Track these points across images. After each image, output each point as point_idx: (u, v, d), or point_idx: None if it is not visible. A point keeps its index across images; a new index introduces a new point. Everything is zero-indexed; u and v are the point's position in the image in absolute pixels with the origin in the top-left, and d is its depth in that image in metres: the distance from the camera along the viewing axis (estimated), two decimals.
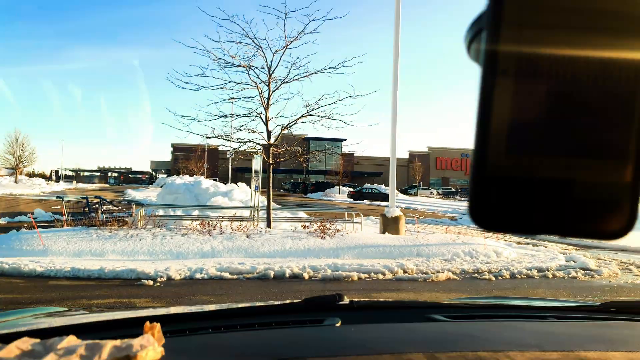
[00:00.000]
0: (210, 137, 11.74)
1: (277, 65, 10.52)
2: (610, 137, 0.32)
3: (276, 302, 1.35)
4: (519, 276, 7.43)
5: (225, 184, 19.55)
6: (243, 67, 10.45)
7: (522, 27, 0.31)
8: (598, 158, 0.32)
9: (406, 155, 58.37)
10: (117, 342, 0.76)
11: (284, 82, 10.72)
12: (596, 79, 0.31)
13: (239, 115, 11.15)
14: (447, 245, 9.26)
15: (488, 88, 0.33)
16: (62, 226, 10.18)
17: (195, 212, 12.28)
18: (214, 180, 22.67)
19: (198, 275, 6.77)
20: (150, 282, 6.36)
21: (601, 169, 0.32)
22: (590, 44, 0.31)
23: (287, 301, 1.38)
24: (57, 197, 19.13)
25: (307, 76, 10.66)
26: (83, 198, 15.36)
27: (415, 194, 44.27)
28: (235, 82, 10.74)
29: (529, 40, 0.31)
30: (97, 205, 13.66)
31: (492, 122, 0.33)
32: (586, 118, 0.32)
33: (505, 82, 0.32)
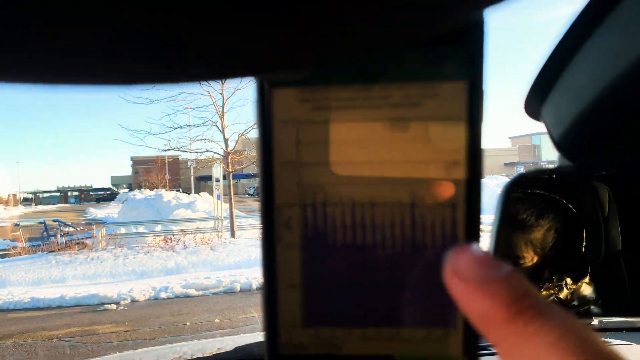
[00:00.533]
0: (167, 150, 11.57)
1: None
2: (433, 302, 0.27)
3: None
4: None
5: (188, 194, 19.22)
6: None
7: None
8: (420, 326, 0.28)
9: None
10: None
11: (237, 89, 10.70)
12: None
13: (194, 125, 11.06)
14: None
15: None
16: (20, 254, 9.85)
17: (158, 228, 12.07)
18: (176, 191, 22.24)
19: (163, 295, 6.68)
20: (114, 306, 6.24)
21: (424, 341, 0.28)
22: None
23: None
24: (15, 224, 18.40)
25: None
26: (40, 222, 14.84)
27: None
28: (187, 92, 10.65)
29: None
30: (55, 229, 13.24)
31: (280, 289, 0.28)
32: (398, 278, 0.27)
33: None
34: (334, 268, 0.29)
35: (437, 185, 0.28)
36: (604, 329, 1.29)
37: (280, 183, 0.29)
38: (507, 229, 0.42)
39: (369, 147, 0.28)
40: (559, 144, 0.49)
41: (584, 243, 0.42)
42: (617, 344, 1.19)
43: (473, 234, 0.28)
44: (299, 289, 0.29)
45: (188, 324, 5.35)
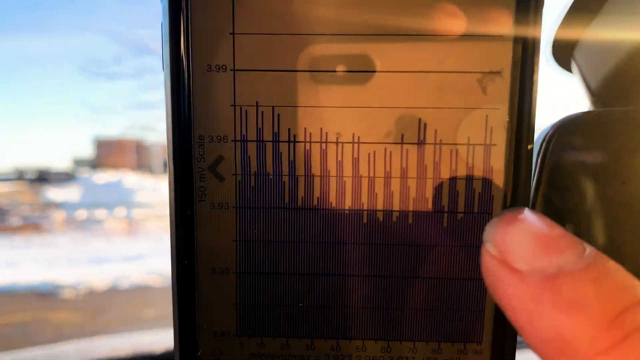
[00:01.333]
0: (132, 129, 11.29)
1: None
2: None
3: None
4: None
5: (153, 177, 18.92)
6: None
7: None
8: (420, 340, 0.22)
9: None
10: None
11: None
12: None
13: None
14: None
15: None
16: None
17: (120, 212, 11.77)
18: (141, 174, 21.88)
19: (123, 282, 6.48)
20: (70, 293, 6.02)
21: None
22: None
23: None
24: None
25: None
26: None
27: None
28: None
29: None
30: (11, 211, 12.77)
31: (201, 277, 0.22)
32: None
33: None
34: (288, 242, 0.21)
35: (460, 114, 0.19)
36: None
37: (202, 100, 0.20)
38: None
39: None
40: (596, 95, 0.39)
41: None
42: None
43: (520, 196, 0.20)
44: (231, 276, 0.21)
45: (149, 313, 5.19)
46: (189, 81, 0.20)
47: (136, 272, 6.74)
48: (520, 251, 0.14)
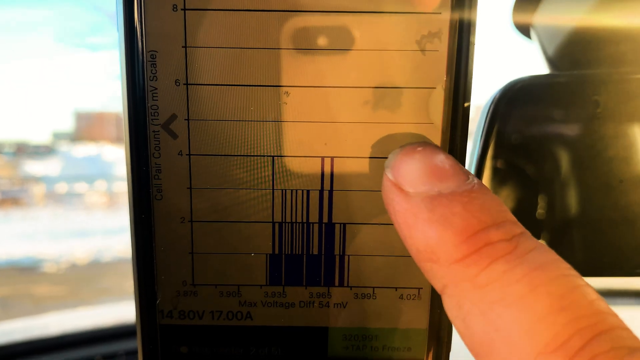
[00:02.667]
0: (112, 101, 11.09)
1: None
2: None
3: None
4: None
5: None
6: None
7: None
8: (368, 286, 0.24)
9: None
10: None
11: None
12: None
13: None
14: None
15: None
16: None
17: (101, 185, 11.64)
18: (122, 146, 21.56)
19: (105, 255, 6.47)
20: (52, 267, 5.99)
21: (372, 306, 0.24)
22: None
23: None
24: None
25: None
26: None
27: None
28: None
29: None
30: None
31: (159, 224, 0.26)
32: None
33: None
34: (241, 182, 0.22)
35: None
36: None
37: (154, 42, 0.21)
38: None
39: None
40: (553, 61, 0.40)
41: (539, 209, 0.33)
42: None
43: (457, 151, 0.22)
44: (186, 225, 0.23)
45: (130, 285, 5.19)
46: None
47: (118, 245, 6.72)
48: (410, 177, 0.16)
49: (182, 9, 0.21)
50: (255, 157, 0.22)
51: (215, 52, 0.22)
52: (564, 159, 0.33)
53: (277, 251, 0.23)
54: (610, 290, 1.29)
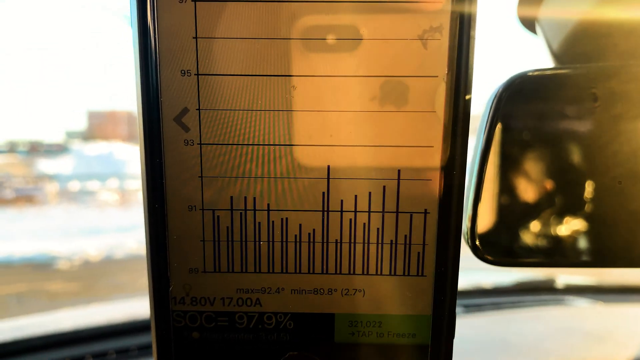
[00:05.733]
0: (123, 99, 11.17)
1: None
2: None
3: None
4: None
5: None
6: None
7: None
8: (374, 274, 0.25)
9: None
10: None
11: None
12: None
13: None
14: None
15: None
16: None
17: (113, 183, 11.74)
18: (133, 145, 21.71)
19: (117, 252, 6.53)
20: (65, 264, 6.06)
21: (378, 294, 0.26)
22: None
23: None
24: None
25: None
26: None
27: None
28: None
29: None
30: (4, 183, 12.70)
31: (171, 212, 0.27)
32: None
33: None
34: (252, 178, 0.23)
35: None
36: (569, 290, 1.28)
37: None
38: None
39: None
40: (558, 56, 0.41)
41: (542, 201, 0.34)
42: (584, 305, 1.18)
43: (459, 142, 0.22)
44: (198, 213, 0.23)
45: (143, 281, 5.24)
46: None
47: (130, 242, 6.78)
48: None
49: (192, 1, 0.22)
50: (265, 146, 0.23)
51: (225, 43, 0.22)
52: (567, 152, 0.33)
53: (284, 239, 0.24)
54: (624, 287, 1.29)
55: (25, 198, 9.55)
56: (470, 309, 1.13)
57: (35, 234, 7.73)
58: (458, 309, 1.13)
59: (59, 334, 1.05)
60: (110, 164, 14.16)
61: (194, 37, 0.22)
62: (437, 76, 0.22)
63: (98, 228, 8.00)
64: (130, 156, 14.58)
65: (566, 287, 1.28)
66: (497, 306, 1.14)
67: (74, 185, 11.35)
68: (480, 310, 1.13)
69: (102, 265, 6.07)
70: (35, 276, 5.64)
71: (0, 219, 8.11)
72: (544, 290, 1.29)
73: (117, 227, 8.04)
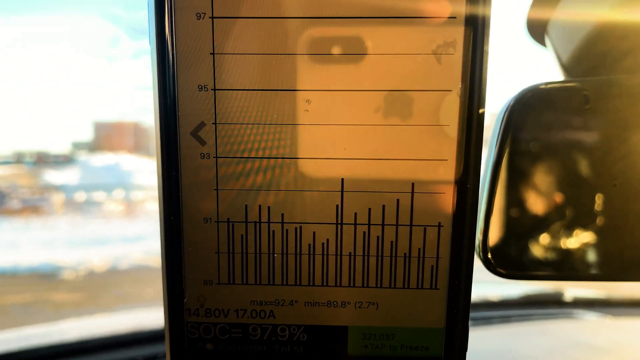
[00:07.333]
0: (130, 111, 11.26)
1: None
2: None
3: None
4: None
5: (154, 157, 18.91)
6: None
7: None
8: (387, 287, 0.25)
9: None
10: None
11: None
12: None
13: None
14: None
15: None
16: None
17: (119, 194, 11.79)
18: (139, 157, 21.83)
19: (123, 263, 6.53)
20: (71, 274, 6.07)
21: (391, 306, 0.26)
22: None
23: None
24: None
25: None
26: None
27: None
28: None
29: None
30: (11, 194, 12.77)
31: (187, 226, 0.27)
32: None
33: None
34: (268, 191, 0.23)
35: None
36: (577, 303, 1.27)
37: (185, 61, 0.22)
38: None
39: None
40: (567, 68, 0.41)
41: (553, 214, 0.34)
42: (592, 318, 1.16)
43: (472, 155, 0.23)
44: (215, 225, 0.24)
45: (148, 292, 5.26)
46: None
47: (135, 253, 6.78)
48: None
49: (209, 17, 0.22)
50: (279, 159, 0.24)
51: (241, 58, 0.23)
52: (578, 165, 0.33)
53: (298, 251, 0.24)
54: (634, 301, 1.28)
55: (32, 208, 9.60)
56: (478, 321, 1.12)
57: (41, 244, 7.75)
58: None
59: (64, 345, 1.05)
60: (116, 175, 14.23)
61: (211, 53, 0.23)
62: (451, 90, 0.22)
63: (103, 238, 8.01)
64: (136, 167, 14.65)
65: (575, 300, 1.27)
66: (505, 319, 1.14)
67: (80, 196, 11.40)
68: (488, 323, 1.12)
69: (107, 276, 6.07)
70: (41, 286, 5.65)
71: (7, 229, 8.14)
72: (553, 304, 1.28)
73: (123, 237, 8.06)
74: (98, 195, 11.73)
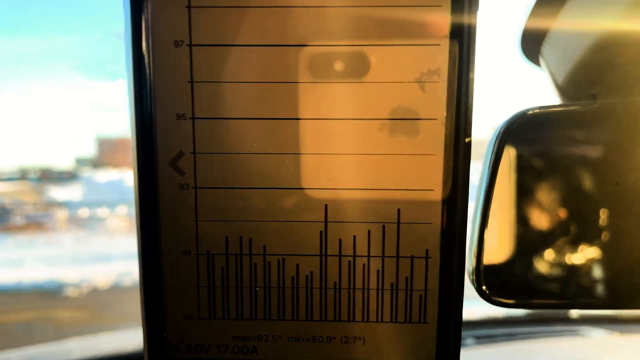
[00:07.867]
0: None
1: None
2: None
3: None
4: None
5: None
6: None
7: None
8: (375, 321, 0.24)
9: None
10: None
11: None
12: None
13: None
14: None
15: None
16: None
17: (122, 210, 11.80)
18: None
19: (126, 280, 6.51)
20: (74, 292, 6.06)
21: (379, 340, 0.25)
22: None
23: None
24: None
25: None
26: None
27: None
28: None
29: None
30: (14, 210, 12.81)
31: (167, 258, 0.27)
32: None
33: None
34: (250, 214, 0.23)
35: None
36: (585, 320, 1.25)
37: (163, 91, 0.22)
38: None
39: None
40: (562, 88, 0.41)
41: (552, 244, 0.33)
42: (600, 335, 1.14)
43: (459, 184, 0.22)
44: (194, 258, 0.23)
45: None
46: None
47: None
48: None
49: (187, 45, 0.22)
50: (260, 190, 0.23)
51: (220, 86, 0.22)
52: (572, 191, 0.32)
53: (281, 284, 0.24)
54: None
55: (35, 225, 9.62)
56: (482, 340, 1.10)
57: (45, 261, 7.74)
58: (469, 340, 1.10)
59: None
60: (119, 191, 14.26)
61: (189, 81, 0.22)
62: (435, 119, 0.22)
63: (107, 255, 8.00)
64: None
65: (581, 317, 1.25)
66: (509, 337, 1.12)
67: (84, 212, 11.42)
68: (493, 341, 1.10)
69: (111, 293, 6.04)
70: (44, 303, 5.63)
71: (11, 246, 8.15)
72: (558, 321, 1.26)
73: (126, 254, 8.04)
74: (101, 212, 11.74)
